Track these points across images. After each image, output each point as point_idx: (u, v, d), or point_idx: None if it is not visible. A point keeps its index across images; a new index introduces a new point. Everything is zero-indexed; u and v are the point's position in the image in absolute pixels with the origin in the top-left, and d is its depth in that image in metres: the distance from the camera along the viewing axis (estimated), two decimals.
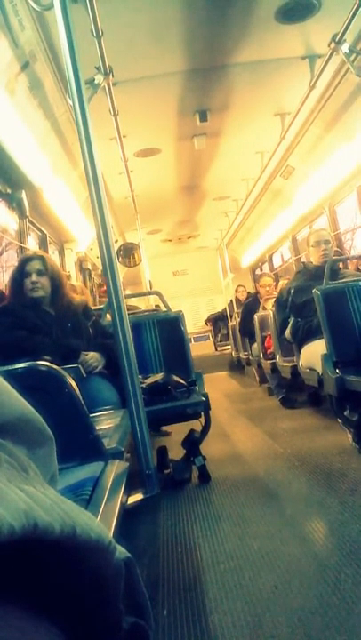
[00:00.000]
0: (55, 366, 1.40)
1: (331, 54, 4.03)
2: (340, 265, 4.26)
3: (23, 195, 4.35)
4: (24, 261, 2.70)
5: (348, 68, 4.04)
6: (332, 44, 3.87)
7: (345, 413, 3.03)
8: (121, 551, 0.32)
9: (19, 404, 0.44)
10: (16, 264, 2.80)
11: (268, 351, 5.57)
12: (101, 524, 0.93)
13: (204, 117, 5.40)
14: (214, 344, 12.05)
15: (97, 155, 2.11)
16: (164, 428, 3.77)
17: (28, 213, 4.48)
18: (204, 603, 1.55)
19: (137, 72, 4.35)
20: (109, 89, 4.05)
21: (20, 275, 2.66)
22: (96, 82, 3.74)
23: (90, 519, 0.30)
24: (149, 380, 3.00)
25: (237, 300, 9.52)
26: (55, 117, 4.40)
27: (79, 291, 3.43)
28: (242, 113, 5.47)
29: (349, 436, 3.00)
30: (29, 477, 0.32)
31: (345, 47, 3.87)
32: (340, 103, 4.97)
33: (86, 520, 0.29)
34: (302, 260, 7.06)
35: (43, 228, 5.60)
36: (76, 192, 5.78)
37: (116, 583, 0.31)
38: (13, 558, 0.25)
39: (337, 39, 3.80)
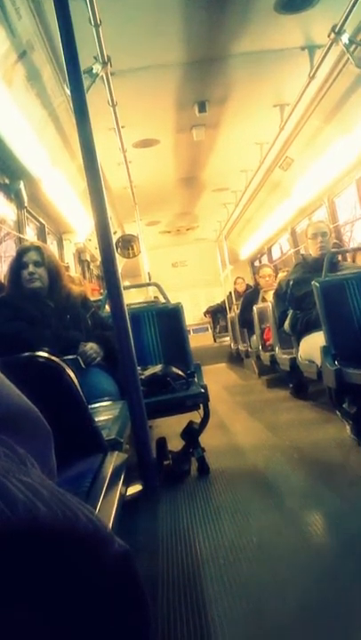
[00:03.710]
0: (54, 358, 1.39)
1: (330, 45, 4.00)
2: (340, 257, 4.25)
3: (21, 185, 4.33)
4: (21, 252, 2.69)
5: (348, 58, 4.02)
6: (332, 35, 3.85)
7: (344, 406, 3.03)
8: (120, 543, 0.32)
9: (17, 398, 0.43)
10: (14, 255, 2.79)
11: (268, 343, 5.57)
12: (100, 516, 0.93)
13: (203, 108, 5.37)
14: (213, 336, 12.04)
15: (95, 145, 2.10)
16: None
17: (26, 204, 4.47)
18: (204, 596, 1.55)
19: (136, 62, 4.32)
20: (108, 79, 4.02)
21: (17, 266, 2.65)
22: (94, 72, 3.71)
23: (89, 511, 0.30)
24: (148, 372, 2.99)
25: (236, 291, 9.51)
26: (53, 107, 4.37)
27: (77, 282, 3.42)
28: (241, 104, 5.45)
29: (348, 428, 3.00)
30: (27, 470, 0.31)
31: (345, 38, 3.85)
32: (340, 94, 4.95)
33: (85, 512, 0.29)
34: (301, 252, 7.05)
35: (41, 219, 5.58)
36: (74, 183, 5.75)
37: (114, 575, 0.30)
38: (12, 551, 0.24)
39: (337, 30, 3.77)
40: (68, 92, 2.14)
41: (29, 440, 0.38)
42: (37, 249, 2.70)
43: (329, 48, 4.06)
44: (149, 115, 5.45)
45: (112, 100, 4.39)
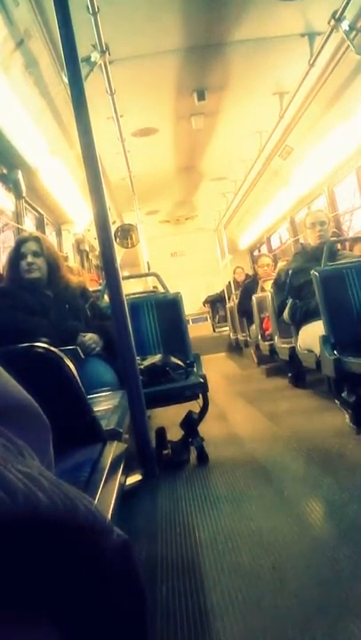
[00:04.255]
0: (53, 348, 1.39)
1: (330, 32, 3.97)
2: (339, 246, 4.24)
3: (19, 175, 4.31)
4: (20, 243, 2.68)
5: (348, 45, 3.99)
6: (332, 22, 3.82)
7: (343, 395, 3.03)
8: (118, 533, 0.32)
9: (15, 390, 0.43)
10: (12, 245, 2.78)
11: (267, 332, 5.57)
12: (100, 505, 0.93)
13: (202, 96, 5.34)
14: (212, 325, 12.04)
15: (94, 134, 2.09)
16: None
17: (24, 194, 4.45)
18: (203, 582, 1.57)
19: (134, 50, 4.29)
20: (106, 67, 3.99)
21: (16, 256, 2.64)
22: (92, 60, 3.69)
23: (88, 502, 0.30)
24: (147, 362, 3.00)
25: (235, 281, 9.50)
26: (51, 96, 4.34)
27: (76, 272, 3.42)
28: (240, 92, 5.41)
29: (347, 417, 3.01)
30: (26, 460, 0.31)
31: (345, 24, 3.82)
32: (340, 82, 4.92)
33: (84, 502, 0.29)
34: (300, 241, 7.03)
35: (40, 209, 5.56)
36: (72, 172, 5.73)
37: (113, 565, 0.31)
38: (13, 541, 0.25)
39: (337, 16, 3.75)
40: (67, 80, 2.12)
41: (27, 433, 0.38)
42: (36, 239, 2.69)
43: (329, 35, 4.03)
44: (148, 103, 5.42)
45: (110, 88, 4.36)
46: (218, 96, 5.46)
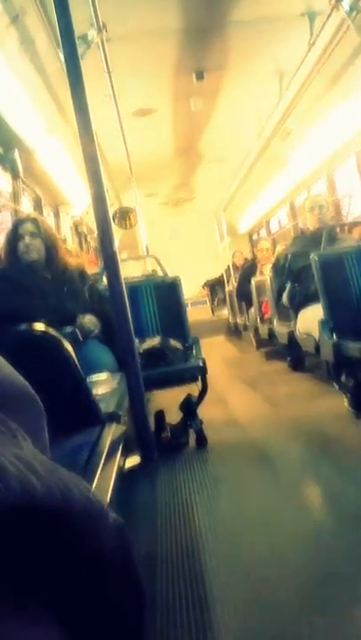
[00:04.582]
0: (51, 330, 1.38)
1: (331, 11, 3.91)
2: (338, 230, 4.22)
3: (16, 154, 4.26)
4: (17, 224, 2.66)
5: (349, 25, 3.94)
6: (333, 1, 3.76)
7: (341, 379, 3.03)
8: (114, 518, 0.31)
9: (9, 374, 0.42)
10: (9, 227, 2.76)
11: (266, 316, 5.57)
12: (98, 488, 0.92)
13: (200, 77, 5.28)
14: (211, 309, 12.03)
15: (91, 114, 2.06)
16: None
17: (21, 174, 4.40)
18: (201, 567, 1.57)
19: (132, 28, 4.23)
20: (103, 45, 3.93)
21: (13, 238, 2.62)
22: (89, 38, 3.62)
23: (83, 486, 0.29)
24: (146, 345, 2.99)
25: (234, 265, 9.47)
26: (47, 74, 4.28)
27: (75, 254, 3.39)
28: (240, 72, 5.35)
29: (346, 401, 3.01)
30: (20, 444, 0.30)
31: (346, 4, 3.77)
32: (340, 63, 4.86)
33: (80, 487, 0.28)
34: (300, 225, 7.00)
35: (37, 190, 5.51)
36: (70, 153, 5.67)
37: (109, 550, 0.30)
38: (6, 526, 0.23)
39: None
40: (63, 58, 2.09)
41: (21, 417, 0.37)
42: (33, 220, 2.67)
43: (330, 15, 3.97)
44: (146, 83, 5.36)
45: (107, 67, 4.30)
46: (217, 76, 5.39)
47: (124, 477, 1.50)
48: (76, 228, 7.41)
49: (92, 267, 5.42)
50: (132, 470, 1.93)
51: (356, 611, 1.24)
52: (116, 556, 0.30)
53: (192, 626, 1.29)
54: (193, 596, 1.42)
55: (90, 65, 2.84)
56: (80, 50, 2.21)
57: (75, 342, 2.04)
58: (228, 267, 9.63)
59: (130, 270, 6.19)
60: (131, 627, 0.31)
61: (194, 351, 3.16)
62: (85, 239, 7.99)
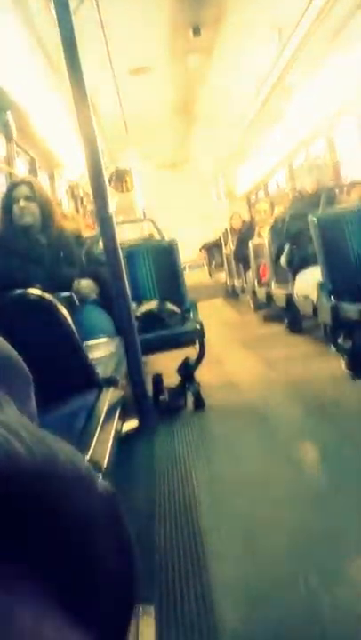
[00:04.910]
0: (46, 295, 1.37)
1: None
2: (337, 191, 4.18)
3: (9, 116, 4.17)
4: (11, 187, 2.62)
5: None
6: None
7: (339, 341, 3.04)
8: (103, 484, 0.31)
9: None
10: (4, 191, 2.72)
11: (263, 279, 5.55)
12: (95, 451, 0.93)
13: (197, 32, 5.13)
14: (209, 272, 11.97)
15: (85, 73, 2.01)
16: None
17: (14, 136, 4.32)
18: (199, 524, 1.60)
19: None
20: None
21: (8, 201, 2.58)
22: None
23: (71, 451, 0.28)
24: (143, 309, 2.99)
25: (232, 227, 9.40)
26: (40, 32, 4.16)
27: (71, 218, 3.36)
28: (237, 27, 5.19)
29: (343, 362, 3.03)
30: (3, 409, 0.30)
31: None
32: (342, 16, 4.72)
33: (66, 451, 0.28)
34: (298, 187, 6.91)
35: (31, 153, 5.42)
36: (65, 114, 5.56)
37: (97, 517, 0.30)
38: None
39: None
40: (55, 13, 2.03)
41: (7, 384, 0.36)
42: (28, 184, 2.63)
43: None
44: (141, 40, 5.21)
45: (102, 22, 4.18)
46: (214, 31, 5.24)
47: (123, 441, 1.52)
48: (72, 191, 7.32)
49: (89, 231, 5.37)
50: (131, 433, 1.95)
51: (349, 564, 1.27)
52: (105, 523, 0.30)
53: (190, 577, 1.33)
54: (191, 550, 1.46)
55: (83, 21, 2.76)
56: (72, 4, 2.14)
57: (71, 307, 2.03)
58: (226, 229, 9.56)
59: (127, 234, 6.15)
60: (121, 598, 0.31)
61: (191, 315, 3.16)
62: (82, 203, 7.89)
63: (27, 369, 0.45)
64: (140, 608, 0.97)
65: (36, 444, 0.25)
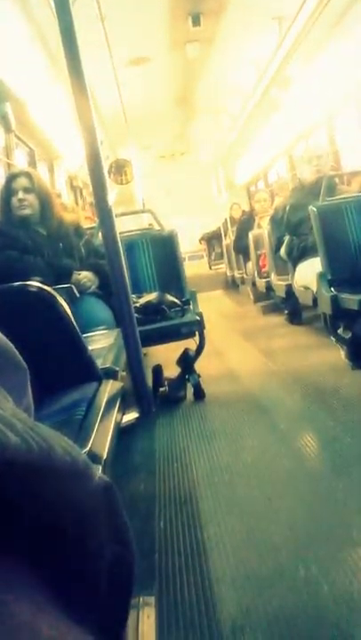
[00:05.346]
0: (45, 287, 1.37)
1: None
2: (337, 181, 4.15)
3: (8, 107, 4.16)
4: (10, 178, 2.61)
5: None
6: None
7: (339, 331, 3.04)
8: (100, 476, 0.31)
9: None
10: (3, 182, 2.71)
11: (263, 270, 5.54)
12: (95, 443, 0.93)
13: (197, 21, 5.10)
14: (209, 263, 11.96)
15: (84, 64, 1.99)
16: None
17: (13, 127, 4.30)
18: (200, 515, 1.61)
19: None
20: None
21: (6, 193, 2.58)
22: None
23: (66, 443, 0.28)
24: (143, 300, 2.99)
25: (232, 218, 9.37)
26: (38, 22, 4.13)
27: (70, 209, 3.35)
28: (238, 16, 5.15)
29: (343, 353, 3.03)
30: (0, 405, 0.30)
31: None
32: (341, 7, 4.68)
33: (62, 444, 0.28)
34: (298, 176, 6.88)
35: (30, 144, 5.40)
36: (64, 105, 5.53)
37: (95, 510, 0.30)
38: None
39: None
40: (53, 3, 2.01)
41: (2, 377, 0.36)
42: (27, 175, 2.62)
43: None
44: (141, 30, 5.17)
45: (100, 13, 4.15)
46: (214, 21, 5.21)
47: (123, 432, 1.52)
48: (72, 182, 7.29)
49: (89, 223, 5.36)
50: (131, 425, 1.96)
51: (347, 550, 1.27)
52: (102, 515, 0.30)
53: (190, 567, 1.34)
54: (191, 540, 1.47)
55: (81, 12, 2.73)
56: None
57: (71, 299, 2.04)
58: (226, 220, 9.54)
59: (126, 225, 6.13)
60: (119, 588, 0.31)
61: (191, 306, 3.16)
62: (81, 194, 7.87)
63: (23, 361, 0.45)
64: (140, 599, 0.98)
65: (31, 437, 0.25)
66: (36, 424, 0.27)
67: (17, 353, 0.44)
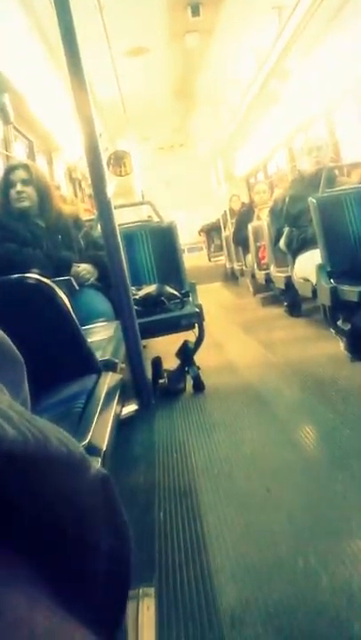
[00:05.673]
0: (44, 279, 1.36)
1: None
2: (337, 172, 4.14)
3: (6, 99, 4.14)
4: (8, 170, 2.60)
5: None
6: None
7: (338, 323, 3.04)
8: (96, 468, 0.31)
9: None
10: (1, 174, 2.70)
11: (263, 262, 5.54)
12: (95, 434, 0.93)
13: (196, 11, 5.06)
14: (208, 255, 11.94)
15: (82, 55, 1.98)
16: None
17: (12, 119, 4.28)
18: (199, 505, 1.61)
19: None
20: None
21: (4, 185, 2.57)
22: None
23: (62, 435, 0.28)
24: (142, 292, 2.99)
25: (231, 209, 9.35)
26: (37, 13, 4.11)
27: (69, 201, 3.34)
28: (237, 6, 5.12)
29: (342, 345, 3.03)
30: None
31: None
32: None
33: (58, 435, 0.27)
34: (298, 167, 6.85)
35: (29, 136, 5.38)
36: (62, 96, 5.50)
37: (91, 502, 0.29)
38: None
39: None
40: None
41: (1, 371, 0.36)
42: (25, 167, 2.61)
43: None
44: (139, 20, 5.14)
45: (99, 3, 4.12)
46: (213, 11, 5.17)
47: (122, 425, 1.53)
48: (70, 174, 7.27)
49: (88, 215, 5.34)
50: (131, 417, 1.96)
51: (346, 542, 1.28)
52: (98, 507, 0.30)
53: (189, 558, 1.34)
54: (191, 531, 1.47)
55: (80, 2, 2.72)
56: None
57: (70, 291, 2.03)
58: (225, 212, 9.52)
59: (125, 217, 6.11)
60: (116, 581, 0.31)
61: (190, 298, 3.16)
62: (80, 186, 7.85)
63: (19, 355, 0.45)
64: (140, 590, 0.98)
65: (27, 428, 0.25)
66: (32, 416, 0.27)
67: (13, 346, 0.44)
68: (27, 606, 0.22)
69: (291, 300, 4.62)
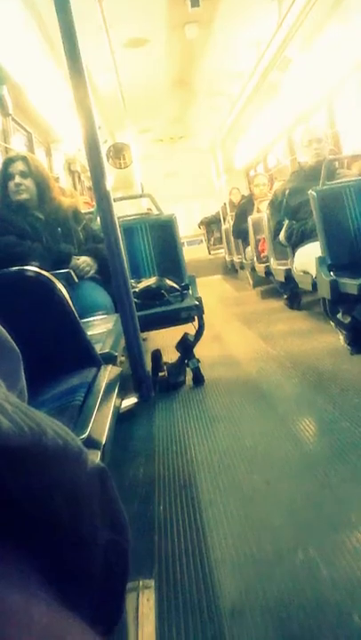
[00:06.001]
0: (44, 272, 1.36)
1: None
2: (337, 164, 4.12)
3: (4, 90, 4.12)
4: (7, 163, 2.59)
5: None
6: None
7: (338, 316, 3.04)
8: (93, 460, 0.30)
9: None
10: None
11: (262, 254, 5.53)
12: (94, 427, 0.93)
13: (195, 2, 5.02)
14: (208, 248, 11.93)
15: (81, 46, 1.96)
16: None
17: (11, 111, 4.26)
18: (199, 498, 1.61)
19: None
20: None
21: (3, 178, 2.56)
22: None
23: (60, 427, 0.28)
24: (142, 285, 2.98)
25: (231, 202, 9.33)
26: (35, 5, 4.08)
27: (68, 194, 3.33)
28: None
29: (341, 338, 3.03)
30: None
31: None
32: None
33: (54, 427, 0.27)
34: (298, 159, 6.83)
35: (28, 128, 5.35)
36: (61, 88, 5.48)
37: (88, 495, 0.29)
38: None
39: None
40: None
41: None
42: (24, 159, 2.60)
43: None
44: (138, 10, 5.10)
45: None
46: (213, 1, 5.13)
47: (122, 417, 1.53)
48: (69, 166, 7.24)
49: (87, 207, 5.33)
50: (130, 410, 1.96)
51: (346, 533, 1.28)
52: (95, 499, 0.30)
53: (189, 551, 1.34)
54: (190, 524, 1.47)
55: None
56: None
57: (69, 283, 2.03)
58: (225, 204, 9.50)
59: (125, 210, 6.10)
60: (114, 573, 0.31)
61: (190, 290, 3.15)
62: (79, 178, 7.82)
63: (16, 347, 0.45)
64: (140, 582, 0.98)
65: (23, 420, 0.25)
66: (28, 408, 0.27)
67: (9, 338, 0.44)
68: (23, 601, 0.22)
69: (290, 292, 4.62)
